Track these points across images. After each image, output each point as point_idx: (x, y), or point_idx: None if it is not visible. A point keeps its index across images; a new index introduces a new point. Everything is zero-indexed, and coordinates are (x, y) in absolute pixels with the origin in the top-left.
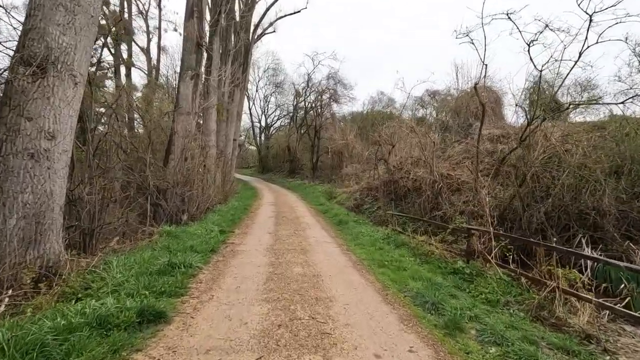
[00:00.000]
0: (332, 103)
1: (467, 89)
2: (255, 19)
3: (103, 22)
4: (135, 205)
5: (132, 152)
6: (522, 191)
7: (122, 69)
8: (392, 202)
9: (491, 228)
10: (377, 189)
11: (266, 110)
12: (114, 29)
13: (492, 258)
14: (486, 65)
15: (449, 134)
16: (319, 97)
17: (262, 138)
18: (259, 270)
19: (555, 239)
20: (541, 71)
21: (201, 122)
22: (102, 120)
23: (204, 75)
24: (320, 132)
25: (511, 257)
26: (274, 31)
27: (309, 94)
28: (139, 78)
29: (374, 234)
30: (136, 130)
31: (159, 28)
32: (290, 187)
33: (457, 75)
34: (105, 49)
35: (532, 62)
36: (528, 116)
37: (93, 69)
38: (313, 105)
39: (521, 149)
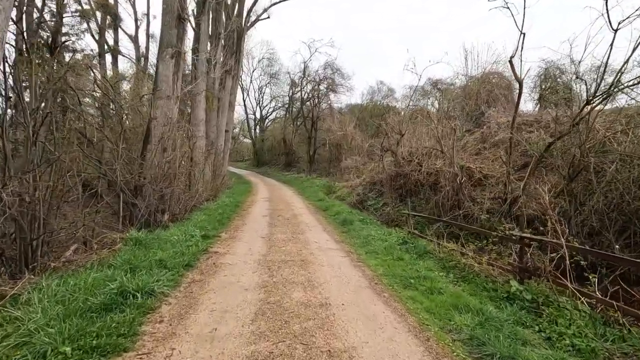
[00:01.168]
0: (329, 93)
1: (477, 75)
2: (248, 2)
3: (87, 6)
4: (104, 206)
5: (100, 142)
6: (576, 187)
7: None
8: (400, 198)
9: (562, 239)
10: (383, 183)
11: (261, 102)
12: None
13: (561, 279)
14: (524, 34)
15: (459, 122)
16: (316, 86)
17: (257, 130)
18: (247, 297)
19: (617, 246)
20: (616, 30)
21: (185, 109)
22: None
23: (190, 55)
24: (317, 124)
25: (596, 279)
26: (268, 17)
27: (306, 84)
28: (127, 67)
29: (386, 237)
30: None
31: (147, 14)
32: (286, 180)
33: (466, 60)
34: (89, 35)
35: (607, 18)
36: (588, 92)
37: (79, 55)
38: (310, 95)
39: (576, 133)
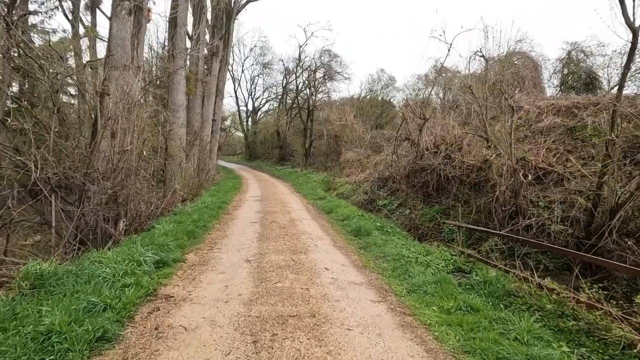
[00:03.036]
0: (327, 81)
1: (498, 55)
2: None
3: None
4: (26, 215)
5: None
6: None
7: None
8: (425, 199)
9: None
10: (397, 179)
11: (253, 93)
12: None
13: None
14: None
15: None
16: (312, 74)
17: (249, 123)
18: None
19: None
20: None
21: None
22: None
23: (164, 28)
24: (313, 114)
25: None
26: None
27: (301, 72)
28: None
29: (426, 258)
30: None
31: None
32: (280, 175)
33: (486, 37)
34: (61, 14)
35: None
36: None
37: (51, 37)
38: (306, 82)
39: None
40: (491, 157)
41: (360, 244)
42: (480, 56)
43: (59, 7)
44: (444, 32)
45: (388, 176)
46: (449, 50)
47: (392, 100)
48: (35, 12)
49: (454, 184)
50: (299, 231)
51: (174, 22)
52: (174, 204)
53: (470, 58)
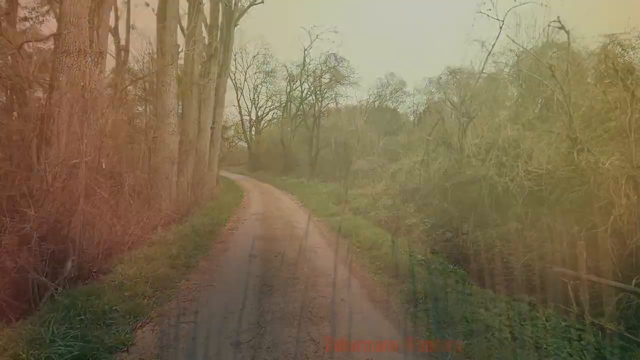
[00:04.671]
0: (334, 85)
1: (533, 48)
2: None
3: None
4: None
5: None
6: None
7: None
8: (478, 222)
9: None
10: (425, 191)
11: (256, 102)
12: None
13: None
14: None
15: None
16: (318, 79)
17: (253, 132)
18: None
19: None
20: None
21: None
22: None
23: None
24: (319, 121)
25: None
26: (262, 1)
27: (306, 78)
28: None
29: (529, 332)
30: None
31: (128, 2)
32: (285, 186)
33: (518, 26)
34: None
35: None
36: None
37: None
38: (312, 88)
39: None
40: (605, 163)
41: (405, 292)
42: (559, 28)
43: (51, 11)
44: (493, 4)
45: (414, 188)
46: (500, 27)
47: (398, 109)
48: (26, 19)
49: (519, 201)
50: (315, 271)
51: (162, 14)
52: (156, 229)
53: (545, 31)
